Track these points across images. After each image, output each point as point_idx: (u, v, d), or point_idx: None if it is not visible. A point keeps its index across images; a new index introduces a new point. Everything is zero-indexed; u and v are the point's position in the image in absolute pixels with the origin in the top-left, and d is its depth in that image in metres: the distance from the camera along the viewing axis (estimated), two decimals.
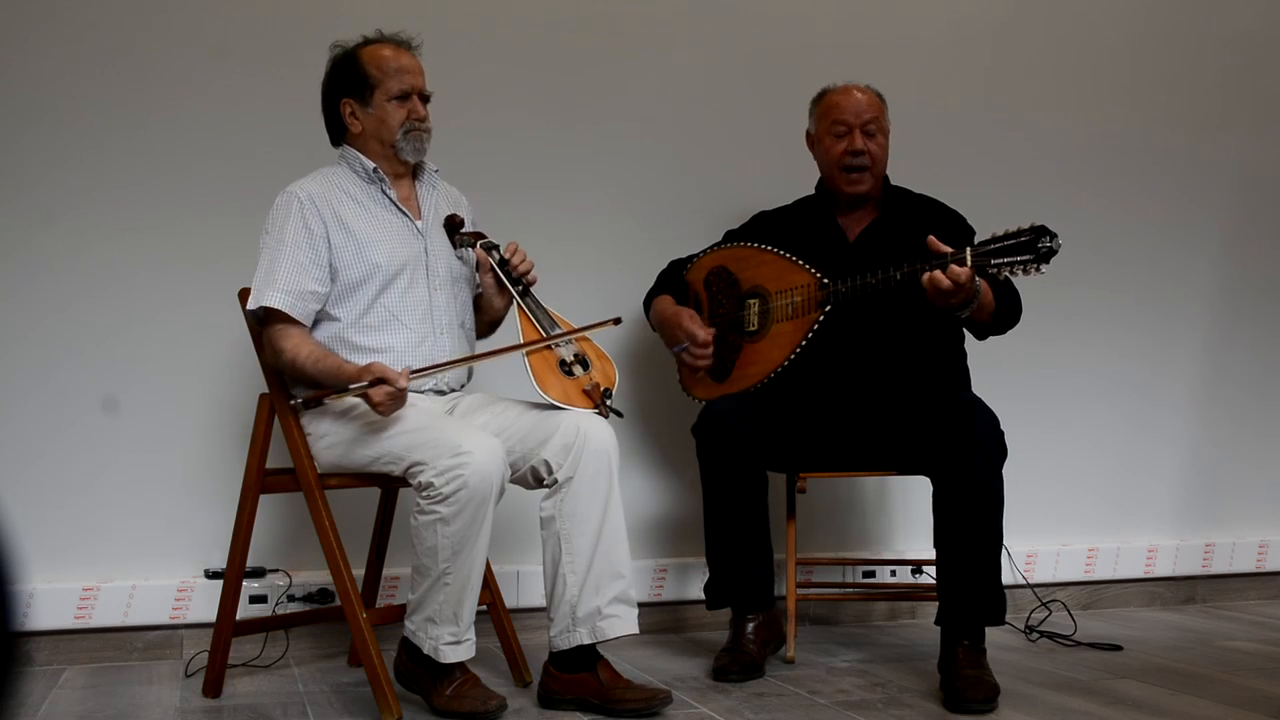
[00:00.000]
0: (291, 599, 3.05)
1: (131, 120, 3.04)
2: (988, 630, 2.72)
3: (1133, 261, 3.89)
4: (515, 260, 2.69)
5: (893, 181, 3.10)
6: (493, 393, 2.80)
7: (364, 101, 2.64)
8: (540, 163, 3.35)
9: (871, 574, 3.55)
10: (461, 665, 2.47)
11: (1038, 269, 2.50)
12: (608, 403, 2.59)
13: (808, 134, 3.10)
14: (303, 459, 2.55)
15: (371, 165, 2.66)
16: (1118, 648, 3.16)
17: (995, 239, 2.56)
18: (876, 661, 3.02)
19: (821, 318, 2.83)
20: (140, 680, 2.82)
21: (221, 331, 2.97)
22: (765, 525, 2.92)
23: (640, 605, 2.60)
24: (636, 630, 2.55)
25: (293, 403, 2.55)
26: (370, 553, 2.94)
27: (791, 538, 3.08)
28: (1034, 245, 2.50)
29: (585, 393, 2.59)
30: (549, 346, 2.62)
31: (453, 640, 2.44)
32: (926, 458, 2.78)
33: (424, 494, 2.37)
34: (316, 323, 2.60)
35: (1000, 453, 2.71)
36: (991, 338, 2.90)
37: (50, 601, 2.90)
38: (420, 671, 2.49)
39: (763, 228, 3.12)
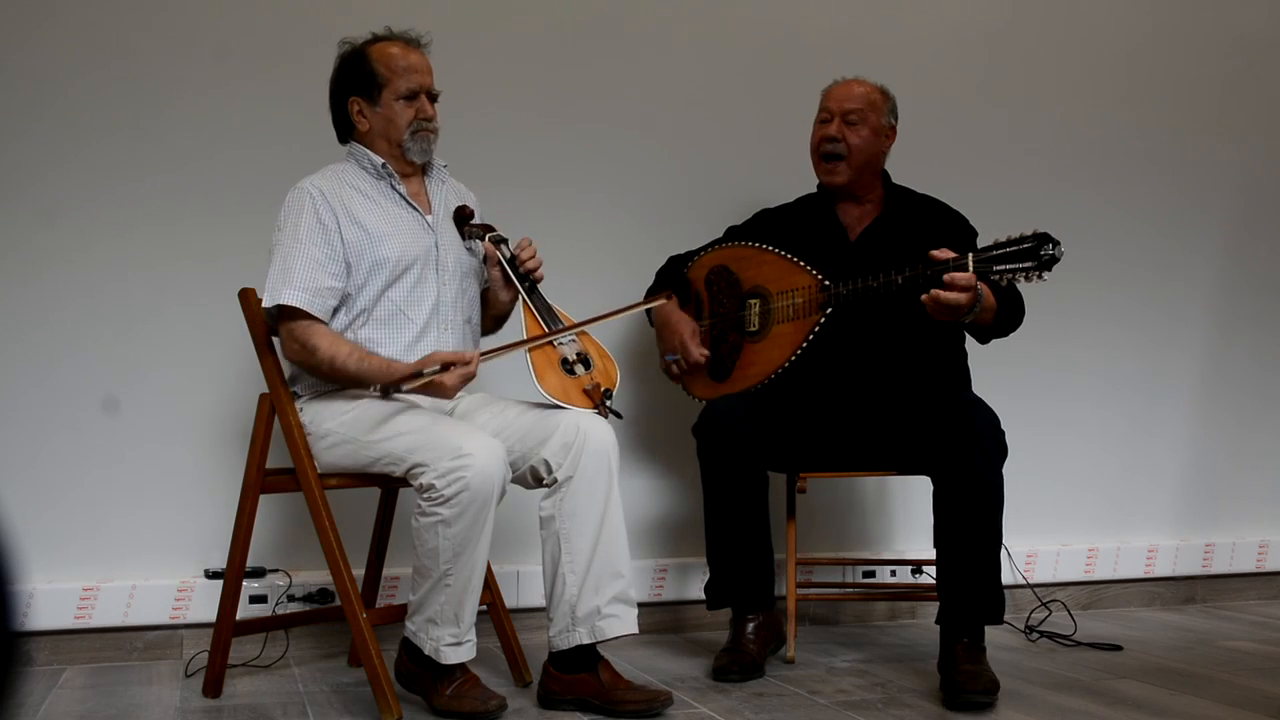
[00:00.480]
0: (291, 599, 3.05)
1: (131, 120, 3.04)
2: (987, 630, 2.72)
3: (1133, 261, 3.89)
4: (525, 256, 2.69)
5: (893, 181, 3.10)
6: (493, 392, 2.80)
7: (372, 100, 2.64)
8: (540, 161, 3.35)
9: (871, 574, 3.55)
10: (462, 665, 2.47)
11: (1040, 276, 2.50)
12: (608, 403, 2.58)
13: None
14: (303, 459, 2.55)
15: (380, 160, 2.65)
16: (1118, 648, 3.17)
17: (997, 245, 2.56)
18: (876, 661, 3.02)
19: (822, 320, 2.82)
20: (140, 680, 2.82)
21: (222, 331, 2.96)
22: (765, 525, 2.91)
23: (640, 605, 2.60)
24: (636, 630, 2.55)
25: (373, 390, 2.51)
26: (370, 553, 2.94)
27: (791, 538, 3.08)
28: (1036, 252, 2.50)
29: (586, 392, 2.59)
30: (551, 344, 2.62)
31: (454, 641, 2.44)
32: (927, 457, 2.78)
33: (425, 496, 2.37)
34: None
35: (1001, 452, 2.71)
36: (993, 339, 2.91)
37: (50, 601, 2.90)
38: (421, 672, 2.49)
39: (764, 225, 3.12)
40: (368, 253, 2.58)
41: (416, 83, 2.63)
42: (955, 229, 2.99)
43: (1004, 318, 2.79)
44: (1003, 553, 2.72)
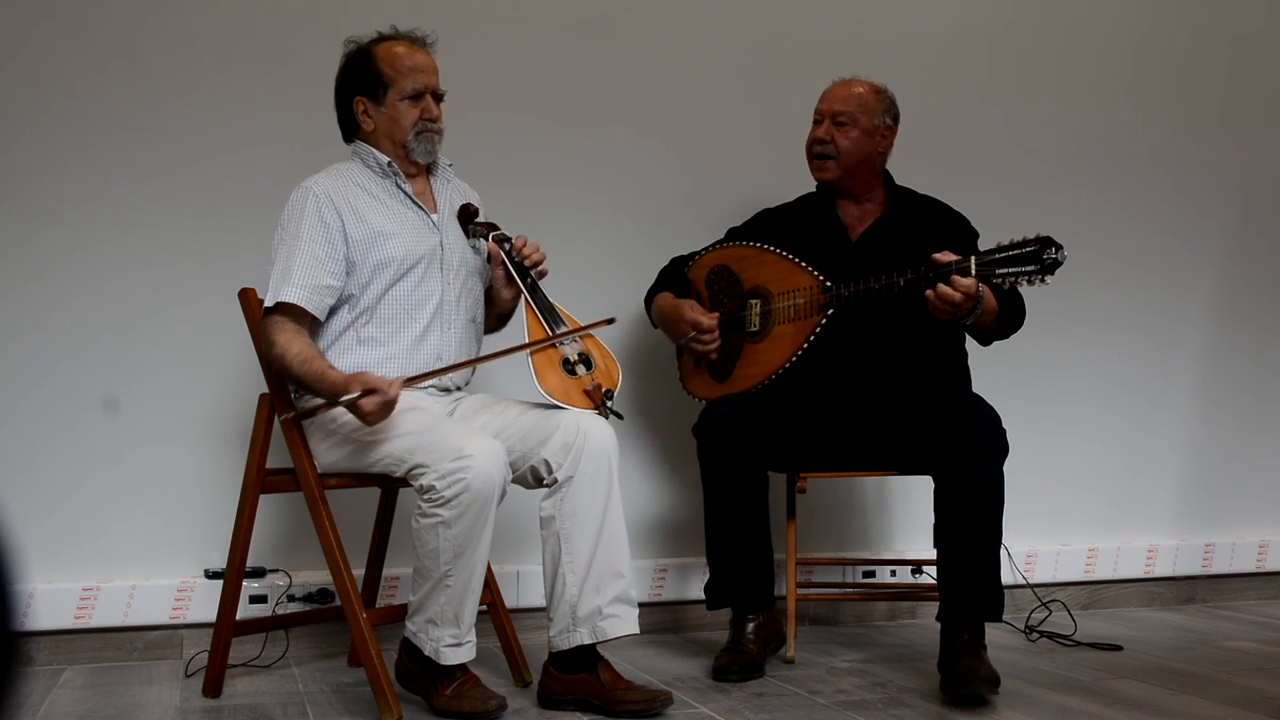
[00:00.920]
0: (291, 599, 3.05)
1: (131, 120, 3.04)
2: (988, 629, 2.72)
3: (1133, 261, 3.89)
4: (526, 252, 2.69)
5: (896, 181, 3.10)
6: (494, 393, 2.80)
7: (377, 100, 2.63)
8: (540, 162, 3.35)
9: (871, 574, 3.55)
10: (462, 666, 2.47)
11: (1042, 280, 2.50)
12: (608, 404, 2.58)
13: None
14: (303, 459, 2.55)
15: (386, 159, 2.65)
16: (1118, 648, 3.17)
17: (1000, 248, 2.56)
18: (876, 661, 3.02)
19: (824, 321, 2.82)
20: (140, 680, 2.82)
21: (222, 331, 2.96)
22: (765, 525, 2.91)
23: (640, 605, 2.60)
24: (637, 630, 2.55)
25: (283, 418, 2.51)
26: (370, 553, 2.94)
27: (791, 538, 3.08)
28: (1039, 256, 2.50)
29: (586, 393, 2.58)
30: (552, 345, 2.62)
31: (454, 642, 2.44)
32: (927, 456, 2.79)
33: (425, 497, 2.37)
34: (329, 314, 2.58)
35: (1001, 450, 2.71)
36: (994, 341, 2.91)
37: (50, 601, 2.90)
38: (421, 672, 2.49)
39: (765, 225, 3.12)
40: (373, 251, 2.57)
41: (422, 83, 2.63)
42: (957, 230, 2.99)
43: (1005, 320, 2.79)
44: (1003, 551, 2.72)
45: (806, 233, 3.02)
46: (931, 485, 2.78)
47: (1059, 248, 2.49)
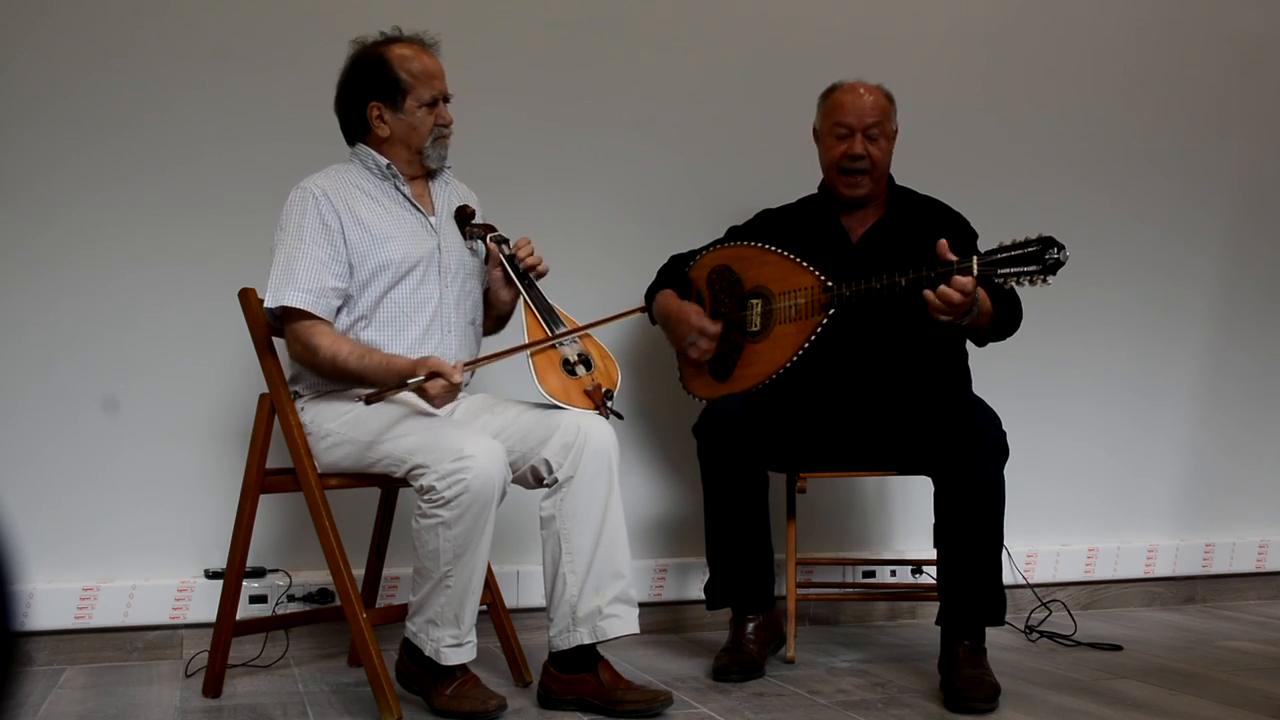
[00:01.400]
0: (291, 599, 3.05)
1: (131, 120, 3.04)
2: (988, 630, 2.72)
3: (1133, 261, 3.89)
4: (522, 254, 2.68)
5: (896, 182, 3.09)
6: (494, 393, 2.80)
7: (395, 107, 2.62)
8: (540, 162, 3.35)
9: (871, 574, 3.55)
10: (462, 666, 2.47)
11: (1044, 280, 2.50)
12: (608, 404, 2.58)
13: (814, 128, 3.09)
14: (303, 459, 2.55)
15: (385, 162, 2.65)
16: (1118, 648, 3.16)
17: (1002, 248, 2.56)
18: (876, 661, 3.02)
19: (825, 321, 2.82)
20: (140, 680, 2.82)
21: (221, 331, 2.96)
22: (765, 525, 2.91)
23: (640, 605, 2.60)
24: (637, 630, 2.55)
25: (364, 400, 2.47)
26: (370, 553, 2.94)
27: (791, 538, 3.08)
28: (1041, 256, 2.50)
29: (586, 393, 2.59)
30: (554, 346, 2.61)
31: (454, 642, 2.44)
32: (928, 457, 2.78)
33: (425, 497, 2.37)
34: None
35: (1002, 452, 2.71)
36: (989, 343, 2.91)
37: (50, 601, 2.90)
38: (421, 672, 2.49)
39: (766, 226, 3.12)
40: (371, 254, 2.57)
41: (438, 89, 2.63)
42: (956, 230, 2.98)
43: (1000, 322, 2.78)
44: (1003, 553, 2.72)
45: (807, 236, 3.02)
46: (931, 485, 2.78)
47: (1061, 248, 2.49)
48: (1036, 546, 3.69)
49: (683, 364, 3.13)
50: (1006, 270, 2.54)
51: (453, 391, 2.42)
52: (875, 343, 2.93)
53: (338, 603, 2.69)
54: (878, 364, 2.94)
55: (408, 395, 2.46)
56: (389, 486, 2.77)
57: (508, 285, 2.71)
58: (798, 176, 3.15)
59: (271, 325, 2.62)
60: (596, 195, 3.41)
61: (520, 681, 2.75)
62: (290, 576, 3.07)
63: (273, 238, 2.60)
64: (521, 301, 2.69)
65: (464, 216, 2.74)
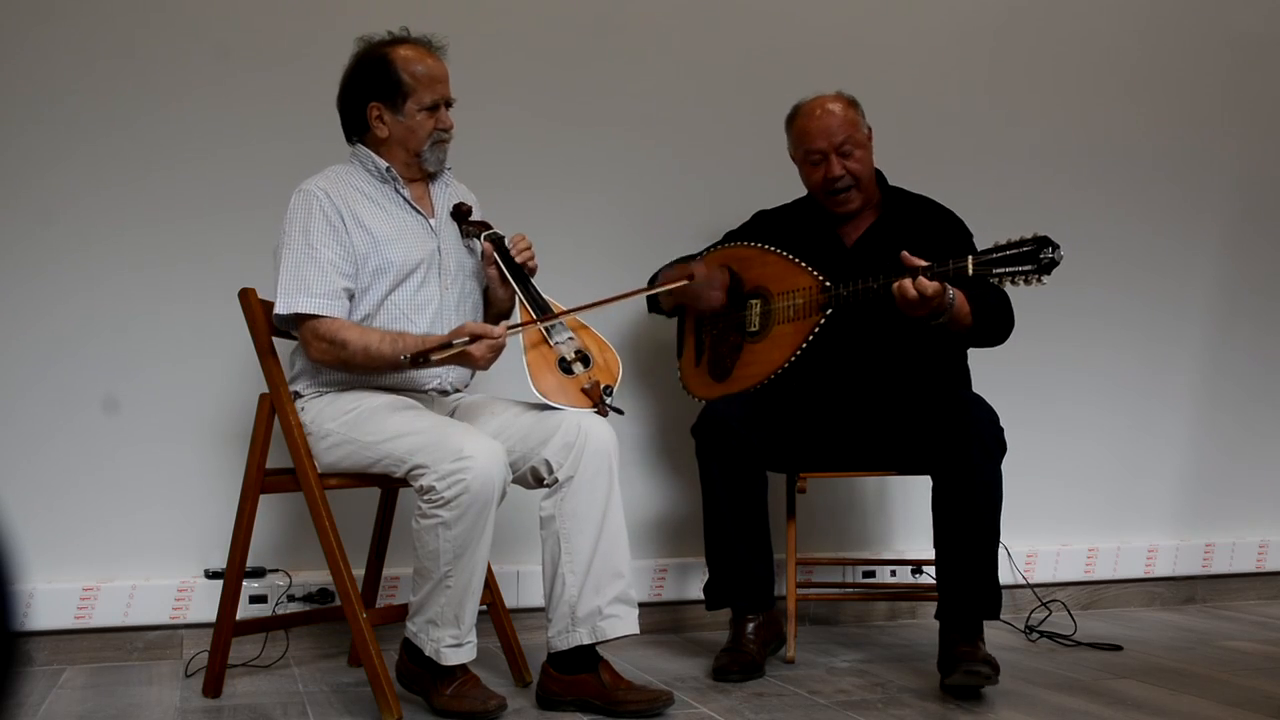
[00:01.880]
0: (291, 599, 3.05)
1: (132, 119, 3.04)
2: (986, 627, 2.72)
3: (1132, 260, 3.89)
4: (518, 248, 2.68)
5: (890, 181, 3.09)
6: (494, 393, 2.80)
7: (395, 108, 2.61)
8: (540, 162, 3.35)
9: (871, 574, 3.55)
10: (462, 666, 2.47)
11: (1039, 279, 2.50)
12: (607, 401, 2.58)
13: (789, 153, 3.07)
14: (303, 459, 2.55)
15: (384, 164, 2.64)
16: (1118, 648, 3.17)
17: (997, 248, 2.56)
18: (876, 661, 3.02)
19: (823, 320, 2.82)
20: (140, 680, 2.82)
21: (221, 331, 2.96)
22: (765, 525, 2.91)
23: (640, 605, 2.60)
24: (637, 630, 2.55)
25: (407, 359, 2.45)
26: (370, 553, 2.94)
27: (791, 538, 3.08)
28: (1036, 255, 2.50)
29: (584, 391, 2.58)
30: (553, 343, 2.62)
31: (454, 643, 2.44)
32: (926, 455, 2.79)
33: (425, 498, 2.37)
34: None
35: (999, 448, 2.71)
36: (975, 347, 2.90)
37: (50, 601, 2.90)
38: (421, 672, 2.49)
39: (762, 227, 3.12)
40: (372, 257, 2.57)
41: (440, 94, 2.62)
42: (951, 229, 2.99)
43: (983, 328, 2.78)
44: (1002, 552, 2.73)
45: (802, 239, 3.01)
46: (931, 485, 2.78)
47: (1056, 247, 2.50)
48: (1036, 546, 3.69)
49: (683, 364, 3.12)
50: (1001, 270, 2.54)
51: (496, 351, 2.44)
52: (874, 343, 2.93)
53: (338, 603, 2.69)
54: (877, 364, 2.94)
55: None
56: (389, 486, 2.77)
57: (504, 283, 2.71)
58: (797, 176, 3.15)
59: (274, 326, 2.62)
60: (595, 196, 3.40)
61: (520, 682, 2.75)
62: (290, 576, 3.07)
63: (276, 241, 2.59)
64: (516, 298, 2.68)
65: (460, 213, 2.74)
